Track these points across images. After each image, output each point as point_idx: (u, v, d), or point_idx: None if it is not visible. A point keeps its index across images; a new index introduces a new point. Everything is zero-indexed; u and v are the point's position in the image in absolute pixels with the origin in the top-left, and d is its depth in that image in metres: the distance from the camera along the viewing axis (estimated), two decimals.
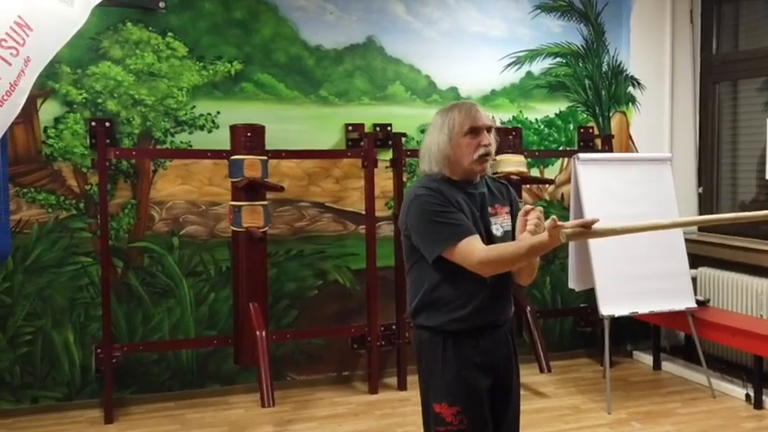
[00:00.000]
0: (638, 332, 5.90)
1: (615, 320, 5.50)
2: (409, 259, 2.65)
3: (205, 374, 5.11)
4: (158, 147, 4.91)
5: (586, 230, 2.28)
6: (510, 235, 2.60)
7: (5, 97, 3.59)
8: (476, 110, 2.63)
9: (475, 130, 2.59)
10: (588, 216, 4.80)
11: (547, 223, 2.32)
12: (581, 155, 5.06)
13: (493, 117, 5.50)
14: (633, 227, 2.42)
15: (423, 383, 2.67)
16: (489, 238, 2.57)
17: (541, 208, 2.49)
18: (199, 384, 5.09)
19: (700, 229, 6.02)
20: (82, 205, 4.81)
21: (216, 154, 4.80)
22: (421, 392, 2.68)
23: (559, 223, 2.28)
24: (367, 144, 5.09)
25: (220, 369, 5.11)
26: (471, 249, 2.46)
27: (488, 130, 2.62)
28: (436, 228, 2.51)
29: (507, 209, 2.68)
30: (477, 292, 2.54)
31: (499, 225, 2.62)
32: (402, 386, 5.21)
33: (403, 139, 5.24)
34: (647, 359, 5.78)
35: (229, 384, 5.14)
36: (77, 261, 4.81)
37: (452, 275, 2.53)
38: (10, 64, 3.57)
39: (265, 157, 4.73)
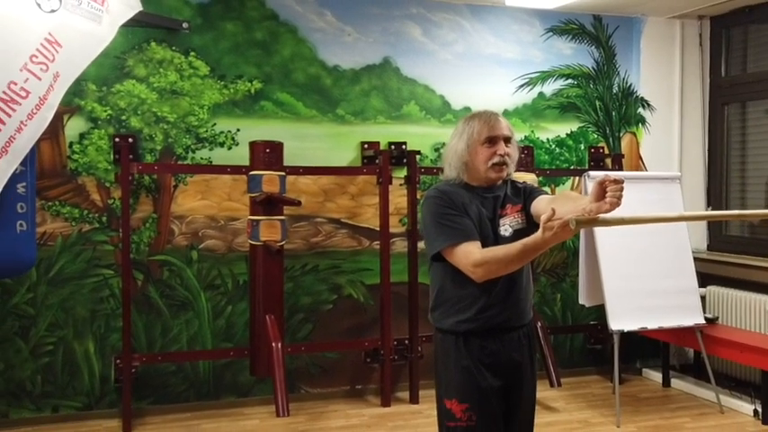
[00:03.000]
0: (648, 350, 5.97)
1: (625, 338, 5.60)
2: (428, 261, 2.78)
3: (221, 386, 5.21)
4: (179, 162, 5.05)
5: (594, 218, 2.26)
6: (522, 233, 2.62)
7: (35, 111, 3.74)
8: (495, 120, 2.75)
9: (492, 140, 2.71)
10: (599, 234, 4.96)
11: (542, 217, 2.32)
12: (591, 173, 5.17)
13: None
14: (641, 217, 2.46)
15: (437, 381, 2.80)
16: (497, 241, 2.66)
17: (553, 208, 2.28)
18: (215, 396, 5.19)
19: (709, 248, 6.11)
20: (105, 219, 4.94)
21: (235, 169, 4.93)
22: (435, 389, 2.80)
23: (557, 216, 2.27)
24: (382, 161, 5.21)
25: (236, 381, 5.21)
26: (467, 253, 2.57)
27: (506, 140, 2.74)
28: (438, 229, 2.64)
29: (519, 206, 2.76)
30: (483, 294, 2.64)
31: (507, 225, 2.70)
32: (414, 399, 5.30)
33: (417, 157, 5.36)
34: (657, 376, 5.85)
35: (245, 396, 5.23)
36: (99, 273, 4.93)
37: (459, 277, 2.65)
38: (40, 79, 3.73)
39: (283, 173, 4.85)
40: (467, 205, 2.67)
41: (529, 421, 2.85)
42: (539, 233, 2.35)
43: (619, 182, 2.21)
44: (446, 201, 2.68)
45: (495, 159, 2.69)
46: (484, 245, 2.61)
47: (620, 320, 4.97)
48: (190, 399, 5.15)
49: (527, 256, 2.50)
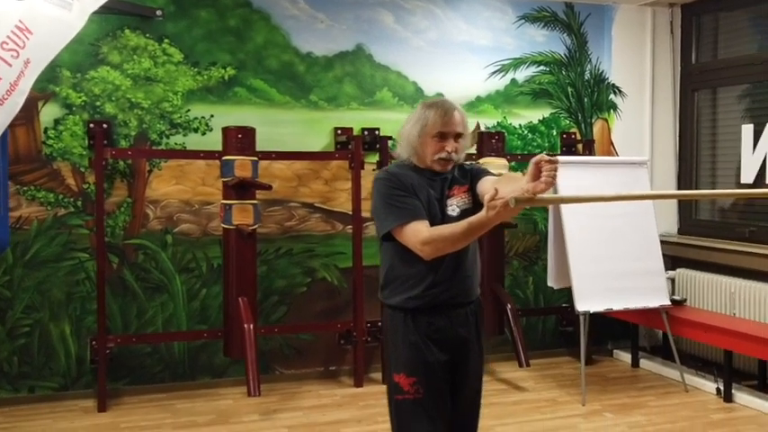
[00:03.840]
0: (619, 332, 6.08)
1: (596, 320, 5.72)
2: (378, 240, 2.86)
3: (196, 367, 5.31)
4: (153, 148, 5.13)
5: (532, 197, 2.28)
6: (469, 213, 2.70)
7: (5, 97, 3.82)
8: (450, 116, 2.77)
9: (443, 135, 2.76)
10: (566, 218, 5.06)
11: (486, 196, 2.39)
12: (558, 158, 5.23)
13: (478, 124, 5.76)
14: (579, 197, 2.55)
15: (386, 356, 2.89)
16: (444, 220, 2.74)
17: (558, 159, 2.27)
18: (190, 376, 5.29)
19: (679, 232, 6.22)
20: (80, 203, 5.02)
21: (208, 155, 5.02)
22: (385, 365, 2.88)
23: (500, 195, 2.31)
24: (354, 146, 5.30)
25: (211, 362, 5.31)
26: (416, 231, 2.65)
27: (457, 136, 2.79)
28: (387, 209, 2.71)
29: (466, 187, 2.83)
30: (430, 272, 2.72)
31: (455, 206, 2.78)
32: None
33: (390, 143, 5.45)
34: (627, 357, 5.96)
35: (219, 377, 5.34)
36: (74, 257, 5.02)
37: (407, 256, 2.72)
38: (10, 65, 3.81)
39: (256, 158, 4.94)
40: (415, 186, 2.75)
41: (475, 395, 2.95)
42: (482, 212, 2.43)
43: (553, 162, 2.25)
44: (395, 182, 2.74)
45: (442, 155, 2.75)
46: (432, 224, 2.69)
47: (587, 302, 5.08)
48: (165, 379, 5.25)
49: (472, 234, 2.58)
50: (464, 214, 2.73)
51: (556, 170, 2.27)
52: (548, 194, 2.35)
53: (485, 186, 2.73)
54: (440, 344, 2.78)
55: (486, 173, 2.87)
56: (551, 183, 2.27)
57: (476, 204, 2.79)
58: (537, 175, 2.29)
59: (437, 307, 2.78)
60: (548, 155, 2.31)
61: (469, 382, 2.89)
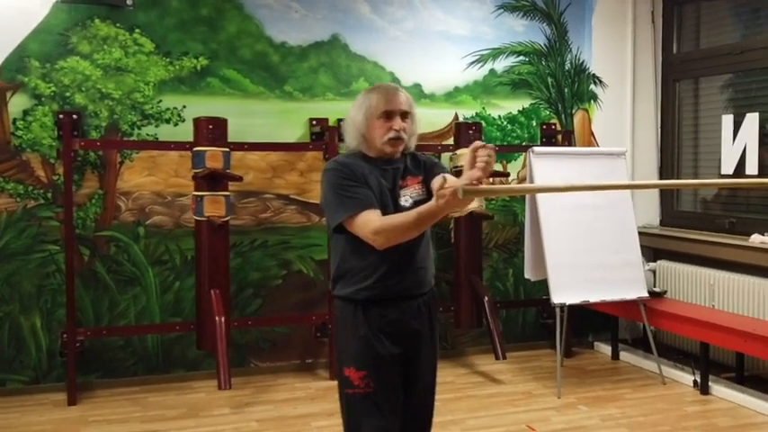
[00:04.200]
0: (600, 324, 6.02)
1: (577, 312, 5.67)
2: (328, 232, 2.80)
3: (170, 360, 5.26)
4: (125, 139, 5.07)
5: (479, 187, 2.23)
6: (422, 204, 2.62)
7: None
8: (393, 93, 2.74)
9: (389, 114, 2.70)
10: (543, 209, 5.00)
11: (435, 185, 2.37)
12: (536, 148, 5.20)
13: (456, 114, 5.69)
14: (531, 188, 2.50)
15: (336, 349, 2.83)
16: (397, 210, 2.69)
17: (494, 146, 2.33)
18: (164, 370, 5.24)
19: (661, 224, 6.16)
20: (50, 195, 4.97)
21: (179, 146, 4.96)
22: (335, 358, 2.82)
23: (449, 184, 2.31)
24: (329, 137, 5.24)
25: (185, 355, 5.26)
26: (367, 221, 2.59)
27: (404, 115, 2.74)
28: (338, 200, 2.64)
29: (419, 178, 2.78)
30: (382, 263, 2.66)
31: (408, 196, 2.73)
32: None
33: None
34: (607, 350, 5.91)
35: (194, 370, 5.29)
36: (45, 249, 4.97)
37: (359, 247, 2.66)
38: None
39: (227, 149, 4.89)
40: (366, 176, 2.69)
41: (429, 389, 2.88)
42: (432, 201, 2.40)
43: (487, 147, 2.24)
44: (345, 172, 2.68)
45: (391, 134, 2.70)
46: (384, 215, 2.64)
47: (564, 294, 5.02)
48: (138, 372, 5.20)
49: (423, 224, 2.53)
50: (417, 205, 2.67)
51: (489, 156, 2.26)
52: (499, 185, 2.33)
53: (439, 182, 2.67)
54: (392, 337, 2.72)
55: (441, 169, 2.83)
56: (487, 169, 2.24)
57: (429, 196, 2.72)
58: (474, 163, 2.26)
59: (389, 299, 2.72)
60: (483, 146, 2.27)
61: (423, 376, 2.84)
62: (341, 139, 5.31)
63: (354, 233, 2.64)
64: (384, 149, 2.73)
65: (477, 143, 2.26)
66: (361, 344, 2.70)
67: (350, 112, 2.81)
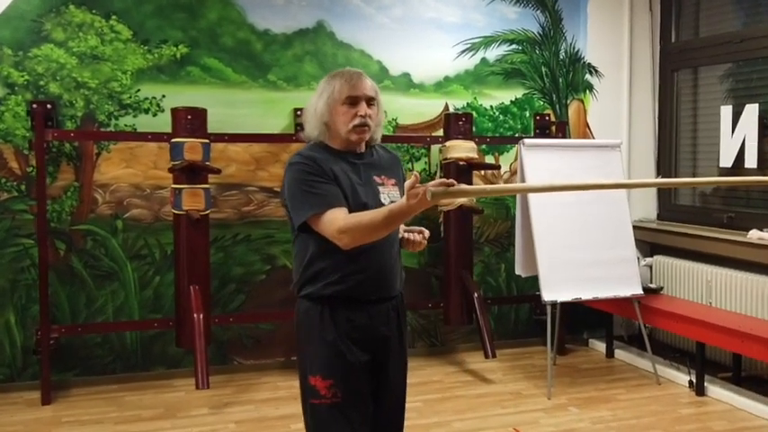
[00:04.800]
0: (595, 321, 5.84)
1: (572, 308, 5.50)
2: (292, 231, 2.60)
3: (150, 357, 5.10)
4: (102, 129, 4.91)
5: (448, 189, 2.14)
6: None
7: None
8: (358, 79, 2.57)
9: (353, 100, 2.53)
10: (534, 204, 4.82)
11: (407, 184, 2.22)
12: (526, 140, 5.02)
13: (447, 104, 5.51)
14: (505, 188, 2.35)
15: (299, 356, 2.64)
16: (373, 208, 2.49)
17: (416, 174, 2.26)
18: (143, 368, 5.09)
19: (659, 218, 5.99)
20: (23, 187, 4.81)
21: (156, 137, 4.80)
22: (298, 365, 2.63)
23: (420, 185, 2.18)
24: None
25: (165, 352, 5.11)
26: (332, 219, 2.41)
27: (369, 101, 2.57)
28: (303, 196, 2.47)
29: (394, 181, 2.65)
30: (349, 263, 2.50)
31: (386, 195, 2.57)
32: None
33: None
34: (602, 347, 5.74)
35: (175, 367, 5.13)
36: (19, 243, 4.81)
37: (326, 248, 2.48)
38: None
39: (207, 140, 4.72)
40: (336, 172, 2.50)
41: (400, 397, 2.72)
42: (403, 200, 2.25)
43: (412, 176, 2.22)
44: (312, 167, 2.49)
45: (356, 121, 2.52)
46: (358, 212, 2.46)
47: (555, 291, 4.85)
48: (117, 370, 5.05)
49: (393, 223, 2.35)
50: None
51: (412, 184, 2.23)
52: (468, 186, 2.19)
53: (412, 180, 2.50)
54: (360, 343, 2.55)
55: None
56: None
57: None
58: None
59: (357, 301, 2.55)
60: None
61: (393, 384, 2.67)
62: (300, 129, 5.16)
63: (320, 231, 2.46)
64: (349, 138, 2.55)
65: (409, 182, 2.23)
66: (328, 350, 2.52)
67: (310, 100, 2.62)
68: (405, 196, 2.23)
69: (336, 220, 2.41)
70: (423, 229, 2.66)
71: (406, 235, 2.65)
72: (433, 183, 2.18)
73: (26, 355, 4.84)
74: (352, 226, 2.38)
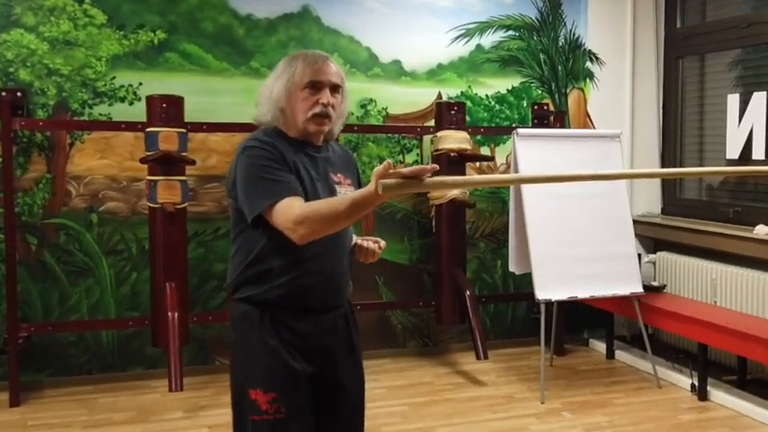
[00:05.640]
0: (595, 319, 5.59)
1: (571, 306, 5.25)
2: (236, 226, 2.33)
3: (127, 357, 4.89)
4: (75, 119, 4.69)
5: (411, 181, 1.91)
6: None
7: None
8: (323, 63, 2.32)
9: (316, 85, 2.28)
10: (528, 198, 4.57)
11: (377, 170, 1.96)
12: (520, 130, 4.77)
13: (440, 93, 5.27)
14: (465, 180, 2.08)
15: (235, 367, 2.35)
16: None
17: (390, 161, 2.00)
18: (120, 368, 4.88)
19: (663, 212, 5.72)
20: None
21: (130, 126, 4.58)
22: (232, 378, 2.34)
23: (392, 172, 1.92)
24: None
25: (143, 352, 4.89)
26: (288, 208, 2.14)
27: (334, 88, 2.32)
28: (261, 184, 2.19)
29: (350, 181, 2.41)
30: (301, 267, 2.26)
31: (343, 194, 2.29)
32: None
33: None
34: (603, 347, 5.48)
35: (153, 368, 4.91)
36: None
37: (277, 246, 2.23)
38: None
39: (183, 130, 4.50)
40: (296, 163, 2.26)
41: (357, 417, 2.45)
42: (370, 187, 1.98)
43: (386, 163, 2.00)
44: (271, 153, 2.23)
45: (317, 109, 2.27)
46: None
47: (549, 289, 4.60)
48: (93, 371, 4.84)
49: (356, 213, 2.08)
50: None
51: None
52: (432, 179, 1.95)
53: (384, 167, 2.26)
54: (304, 354, 2.29)
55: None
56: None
57: None
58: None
59: (301, 310, 2.29)
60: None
61: (347, 403, 2.41)
62: None
63: (274, 224, 2.19)
64: (307, 128, 2.30)
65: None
66: (270, 359, 2.25)
67: (267, 81, 2.38)
68: (372, 183, 1.98)
69: (293, 208, 2.14)
70: (378, 239, 2.43)
71: (360, 242, 2.42)
72: (393, 172, 1.94)
73: None
74: (309, 214, 2.11)
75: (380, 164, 1.96)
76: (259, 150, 2.24)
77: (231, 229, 2.37)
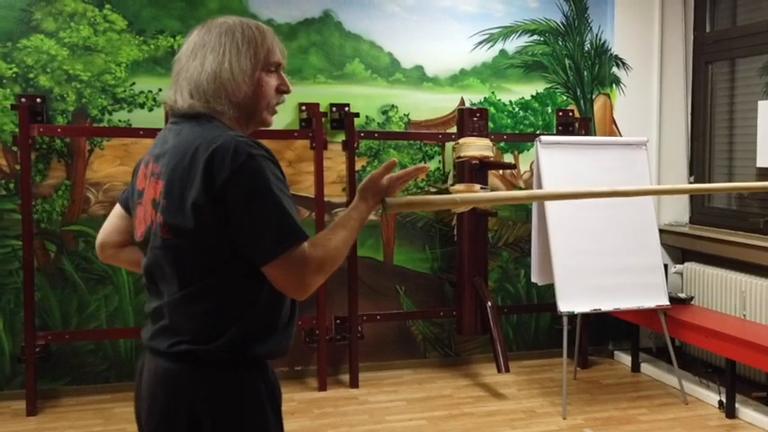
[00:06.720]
0: (621, 330, 5.48)
1: (595, 317, 5.14)
2: (213, 262, 1.72)
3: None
4: (95, 125, 4.66)
5: (410, 199, 1.83)
6: None
7: None
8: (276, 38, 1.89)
9: (279, 68, 1.88)
10: (551, 208, 4.45)
11: (372, 175, 1.83)
12: (543, 138, 4.67)
13: (462, 99, 5.18)
14: (470, 197, 2.02)
15: None
16: None
17: (394, 159, 1.88)
18: None
19: (691, 222, 5.59)
20: (12, 185, 4.58)
21: (149, 132, 4.54)
22: None
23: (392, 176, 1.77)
24: (316, 124, 4.77)
25: None
26: (304, 254, 1.67)
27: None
28: (282, 214, 1.67)
29: None
30: (293, 313, 1.85)
31: None
32: (354, 383, 4.91)
33: (361, 120, 4.94)
34: (628, 360, 5.36)
35: None
36: (7, 244, 4.59)
37: (277, 292, 1.74)
38: None
39: None
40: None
41: None
42: (362, 203, 1.85)
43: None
44: (278, 165, 1.73)
45: (282, 99, 1.88)
46: None
47: (572, 301, 4.49)
48: (110, 379, 4.80)
49: (355, 236, 1.83)
50: None
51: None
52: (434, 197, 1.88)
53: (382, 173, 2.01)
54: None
55: None
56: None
57: None
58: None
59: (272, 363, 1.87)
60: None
61: None
62: (333, 126, 4.88)
63: (284, 273, 1.67)
64: (266, 120, 1.87)
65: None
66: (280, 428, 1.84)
67: (217, 57, 1.78)
68: (369, 200, 1.86)
69: (306, 250, 1.68)
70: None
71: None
72: (395, 178, 1.86)
73: (15, 363, 4.61)
74: (326, 257, 1.71)
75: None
76: (270, 163, 1.70)
77: (189, 265, 1.74)
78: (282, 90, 1.88)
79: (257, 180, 1.66)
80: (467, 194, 1.95)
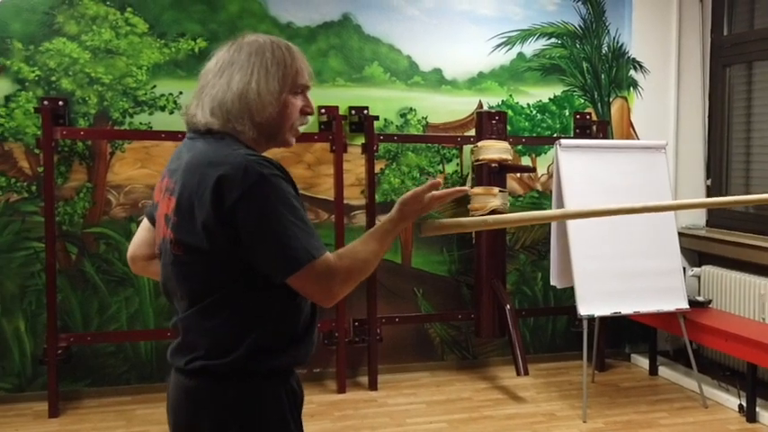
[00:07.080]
0: (637, 333, 5.49)
1: (612, 320, 5.14)
2: (224, 277, 1.73)
3: (166, 368, 4.83)
4: (116, 128, 4.69)
5: (447, 224, 1.84)
6: None
7: None
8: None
9: (306, 90, 1.89)
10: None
11: (416, 191, 1.83)
12: (563, 141, 4.68)
13: (480, 102, 5.19)
14: (516, 217, 2.04)
15: None
16: None
17: (438, 179, 1.93)
18: (159, 378, 4.85)
19: (708, 225, 5.59)
20: (34, 188, 4.61)
21: (170, 135, 4.56)
22: None
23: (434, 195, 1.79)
24: (335, 127, 4.79)
25: None
26: (328, 262, 1.70)
27: None
28: (302, 228, 1.68)
29: None
30: (312, 320, 1.85)
31: None
32: (373, 386, 4.92)
33: (379, 123, 4.96)
34: (646, 363, 5.37)
35: None
36: (29, 246, 4.61)
37: (293, 302, 1.78)
38: None
39: None
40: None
41: None
42: (392, 214, 1.86)
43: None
44: (290, 182, 1.74)
45: (306, 120, 1.88)
46: None
47: (591, 304, 4.50)
48: (131, 381, 4.83)
49: (387, 248, 1.85)
50: None
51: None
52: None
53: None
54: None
55: None
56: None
57: None
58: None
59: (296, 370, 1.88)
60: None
61: None
62: (353, 129, 4.89)
63: (306, 285, 1.69)
64: (288, 141, 1.87)
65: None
66: None
67: (244, 77, 1.80)
68: (406, 205, 1.86)
69: (331, 261, 1.71)
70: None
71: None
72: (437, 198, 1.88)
73: (36, 365, 4.63)
74: (352, 269, 1.73)
75: (420, 176, 1.90)
76: (281, 181, 1.70)
77: (199, 282, 1.75)
78: (307, 112, 1.88)
79: (269, 199, 1.67)
80: (498, 216, 1.96)
